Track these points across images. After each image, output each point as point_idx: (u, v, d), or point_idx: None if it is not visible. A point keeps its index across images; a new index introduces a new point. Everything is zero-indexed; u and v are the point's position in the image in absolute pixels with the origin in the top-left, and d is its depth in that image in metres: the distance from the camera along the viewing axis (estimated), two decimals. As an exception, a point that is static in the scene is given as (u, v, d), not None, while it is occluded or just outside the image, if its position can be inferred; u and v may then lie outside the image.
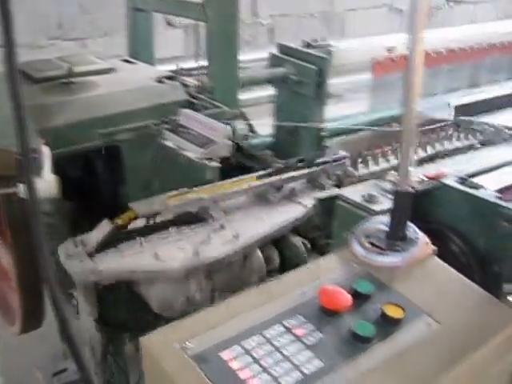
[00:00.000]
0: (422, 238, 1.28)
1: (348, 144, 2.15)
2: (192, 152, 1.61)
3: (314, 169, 1.71)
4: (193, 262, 1.41)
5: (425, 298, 1.18)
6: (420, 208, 1.56)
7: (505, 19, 5.43)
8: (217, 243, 1.47)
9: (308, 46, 2.19)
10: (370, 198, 1.52)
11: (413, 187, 1.51)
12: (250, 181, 1.65)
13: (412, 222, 1.54)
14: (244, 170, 1.77)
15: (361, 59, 2.22)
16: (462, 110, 2.29)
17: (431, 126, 2.13)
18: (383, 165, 1.91)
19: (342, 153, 1.78)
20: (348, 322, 1.09)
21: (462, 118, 2.17)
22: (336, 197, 1.56)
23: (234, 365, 1.00)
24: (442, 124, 2.12)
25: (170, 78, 2.03)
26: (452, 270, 1.27)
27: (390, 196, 1.54)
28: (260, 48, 4.37)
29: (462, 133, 2.09)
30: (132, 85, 1.94)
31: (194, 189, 1.54)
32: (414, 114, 1.21)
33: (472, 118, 2.15)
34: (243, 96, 2.30)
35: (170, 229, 1.49)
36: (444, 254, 1.48)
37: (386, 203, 1.51)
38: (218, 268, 1.46)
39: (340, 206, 1.55)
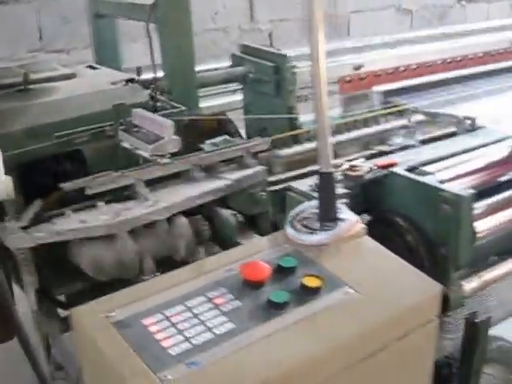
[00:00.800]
0: (351, 217, 1.49)
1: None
2: (143, 150, 1.83)
3: (233, 149, 2.01)
4: (114, 221, 1.70)
5: (348, 271, 1.38)
6: (372, 197, 1.78)
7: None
8: (138, 207, 1.77)
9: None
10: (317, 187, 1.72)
11: (361, 176, 1.74)
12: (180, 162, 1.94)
13: (366, 210, 1.76)
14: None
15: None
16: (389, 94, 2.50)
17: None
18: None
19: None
20: (267, 292, 1.29)
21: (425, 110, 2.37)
22: (287, 188, 1.77)
23: (153, 329, 1.21)
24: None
25: (130, 80, 2.25)
26: (380, 246, 1.47)
27: (339, 185, 1.75)
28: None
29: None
30: (91, 89, 2.15)
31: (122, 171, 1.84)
32: (325, 100, 1.42)
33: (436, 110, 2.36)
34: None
35: (100, 204, 1.77)
36: (395, 240, 1.71)
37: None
38: (141, 229, 1.75)
39: (290, 197, 1.76)
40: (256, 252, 1.42)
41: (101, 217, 1.71)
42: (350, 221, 1.48)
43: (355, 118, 2.29)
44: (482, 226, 1.75)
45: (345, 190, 1.72)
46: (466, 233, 1.69)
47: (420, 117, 2.35)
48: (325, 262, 1.40)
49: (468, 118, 2.21)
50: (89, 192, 1.76)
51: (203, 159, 1.96)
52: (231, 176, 1.95)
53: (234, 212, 1.91)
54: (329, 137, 1.48)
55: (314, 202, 1.53)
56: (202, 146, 2.32)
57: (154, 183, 1.89)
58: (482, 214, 1.77)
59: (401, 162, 1.87)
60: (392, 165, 1.85)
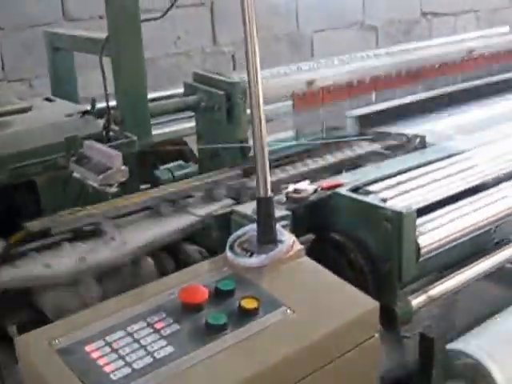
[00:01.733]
0: (289, 239, 1.57)
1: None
2: (92, 180, 1.91)
3: (207, 181, 2.07)
4: (79, 266, 1.75)
5: (286, 292, 1.46)
6: (318, 218, 1.86)
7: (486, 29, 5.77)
8: (104, 250, 1.81)
9: (219, 74, 2.49)
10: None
11: (305, 198, 1.82)
12: (143, 195, 2.00)
13: (312, 231, 1.85)
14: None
15: (279, 94, 2.51)
16: (364, 120, 2.58)
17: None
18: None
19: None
20: (205, 315, 1.37)
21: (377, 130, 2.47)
22: (231, 212, 1.85)
23: (95, 355, 1.28)
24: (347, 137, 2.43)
25: (86, 112, 2.33)
26: (319, 266, 1.56)
27: (282, 207, 1.84)
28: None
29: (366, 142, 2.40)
30: (46, 122, 2.23)
31: (88, 207, 1.89)
32: (262, 123, 1.50)
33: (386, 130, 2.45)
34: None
35: (64, 244, 1.82)
36: (340, 259, 1.79)
37: (276, 214, 1.79)
38: (106, 274, 1.80)
39: (234, 220, 1.84)
40: (196, 276, 1.50)
41: (65, 260, 1.75)
42: (289, 242, 1.55)
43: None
44: (427, 241, 1.82)
45: (288, 212, 1.79)
46: (409, 249, 1.77)
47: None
48: (263, 283, 1.48)
49: (417, 137, 2.30)
50: (54, 231, 1.82)
51: (172, 194, 2.04)
52: (200, 211, 1.99)
53: (200, 248, 1.97)
54: (267, 161, 1.56)
55: (254, 225, 1.60)
56: (156, 172, 2.41)
57: (119, 216, 1.96)
58: (426, 229, 1.85)
59: (346, 183, 1.95)
60: (337, 186, 1.93)
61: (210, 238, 1.94)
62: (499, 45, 3.29)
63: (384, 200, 1.84)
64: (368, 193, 1.88)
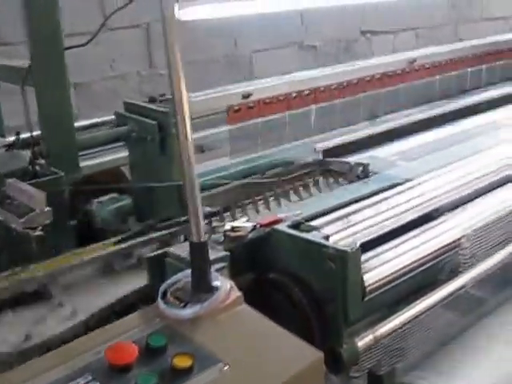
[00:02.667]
0: (226, 285, 1.46)
1: (216, 197, 2.31)
2: (15, 223, 1.78)
3: (164, 232, 1.91)
4: (25, 344, 1.57)
5: (223, 346, 1.35)
6: (257, 256, 1.75)
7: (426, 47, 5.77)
8: (52, 323, 1.64)
9: (152, 101, 2.38)
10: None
11: (243, 236, 1.72)
12: (94, 251, 1.82)
13: (251, 271, 1.74)
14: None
15: (214, 108, 2.40)
16: (330, 153, 2.49)
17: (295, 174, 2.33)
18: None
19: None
20: (134, 377, 1.25)
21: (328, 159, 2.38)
22: (164, 254, 1.73)
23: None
24: (308, 170, 2.33)
25: (10, 145, 2.19)
26: (258, 314, 1.45)
27: (219, 247, 1.73)
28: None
29: (331, 177, 2.31)
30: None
31: (31, 266, 1.73)
32: (192, 165, 1.39)
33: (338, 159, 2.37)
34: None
35: (7, 313, 1.65)
36: (281, 300, 1.69)
37: (214, 255, 1.68)
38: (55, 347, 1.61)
39: (168, 263, 1.72)
40: (125, 330, 1.38)
41: (9, 338, 1.58)
42: (225, 289, 1.45)
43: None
44: (372, 278, 1.73)
45: (225, 253, 1.68)
46: (355, 289, 1.68)
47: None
48: (198, 336, 1.37)
49: (360, 165, 2.21)
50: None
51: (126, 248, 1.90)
52: None
53: None
54: (199, 203, 1.45)
55: (188, 271, 1.49)
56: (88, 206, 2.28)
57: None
58: (372, 266, 1.76)
59: (287, 218, 1.85)
60: (276, 222, 1.83)
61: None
62: (440, 55, 3.27)
63: (327, 237, 1.74)
64: (309, 229, 1.78)
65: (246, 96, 2.43)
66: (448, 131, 2.82)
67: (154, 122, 2.19)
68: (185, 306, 1.43)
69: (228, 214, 2.14)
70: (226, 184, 2.33)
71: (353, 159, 2.36)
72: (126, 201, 2.38)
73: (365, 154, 2.50)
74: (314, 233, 1.75)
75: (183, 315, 1.41)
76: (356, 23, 6.23)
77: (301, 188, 2.31)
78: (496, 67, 3.56)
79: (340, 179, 2.30)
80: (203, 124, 2.46)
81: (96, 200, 2.40)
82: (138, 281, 1.81)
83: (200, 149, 2.45)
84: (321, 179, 2.33)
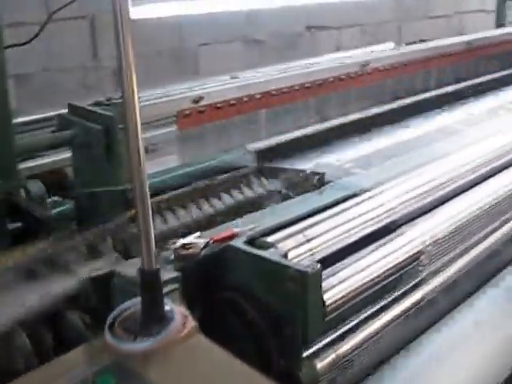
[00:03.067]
0: (180, 315, 1.32)
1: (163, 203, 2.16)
2: None
3: (88, 235, 1.76)
4: None
5: (177, 382, 1.20)
6: (211, 275, 1.61)
7: (373, 44, 5.68)
8: None
9: (98, 104, 2.21)
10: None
11: (195, 254, 1.57)
12: (15, 255, 1.67)
13: (205, 291, 1.59)
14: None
15: (163, 114, 2.24)
16: (264, 155, 2.34)
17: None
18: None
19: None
20: (80, 424, 1.10)
21: (271, 165, 2.24)
22: (111, 274, 1.57)
23: None
24: (243, 173, 2.19)
25: None
26: (215, 346, 1.31)
27: (169, 267, 1.58)
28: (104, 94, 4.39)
29: (267, 180, 2.16)
30: None
31: None
32: (144, 183, 1.24)
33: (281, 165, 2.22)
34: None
35: None
36: (237, 321, 1.55)
37: (163, 277, 1.53)
38: None
39: (116, 285, 1.56)
40: (68, 369, 1.22)
41: None
42: (180, 320, 1.30)
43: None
44: (333, 297, 1.61)
45: (176, 274, 1.53)
46: (315, 309, 1.55)
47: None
48: (151, 373, 1.23)
49: (316, 174, 2.08)
50: None
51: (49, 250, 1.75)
52: (82, 269, 1.69)
53: (83, 315, 1.66)
54: (151, 225, 1.30)
55: (138, 300, 1.34)
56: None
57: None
58: (331, 284, 1.63)
59: (241, 233, 1.71)
60: (231, 237, 1.68)
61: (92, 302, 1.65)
62: (393, 58, 3.17)
63: (285, 255, 1.60)
64: (266, 245, 1.64)
65: (197, 100, 2.27)
66: (405, 136, 2.69)
67: (99, 127, 2.01)
68: (135, 339, 1.28)
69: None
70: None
71: (307, 166, 2.22)
72: (69, 205, 2.21)
73: (318, 159, 2.36)
74: (272, 250, 1.61)
75: (134, 349, 1.26)
76: (302, 18, 6.12)
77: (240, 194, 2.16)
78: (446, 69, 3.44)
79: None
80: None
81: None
82: (59, 284, 1.66)
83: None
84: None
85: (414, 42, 3.84)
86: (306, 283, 1.50)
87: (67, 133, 2.08)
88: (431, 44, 3.52)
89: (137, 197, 1.26)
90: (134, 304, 1.35)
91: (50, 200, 2.26)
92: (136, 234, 1.29)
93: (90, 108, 2.08)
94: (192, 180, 2.23)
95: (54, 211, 2.17)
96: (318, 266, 1.53)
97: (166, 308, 1.33)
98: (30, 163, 2.36)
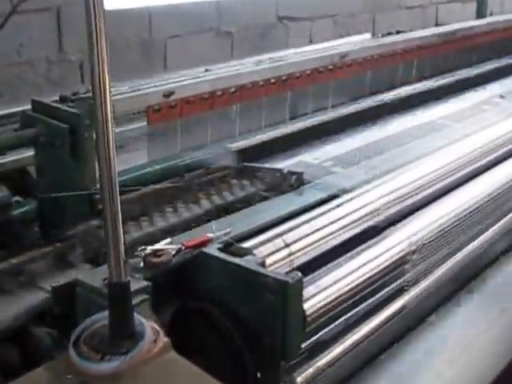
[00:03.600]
0: (152, 331, 1.22)
1: (131, 202, 2.06)
2: None
3: (58, 245, 1.65)
4: None
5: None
6: (184, 284, 1.51)
7: (345, 36, 5.59)
8: None
9: (63, 100, 2.10)
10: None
11: (166, 261, 1.47)
12: None
13: (177, 300, 1.50)
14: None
15: (132, 109, 2.14)
16: (245, 154, 2.25)
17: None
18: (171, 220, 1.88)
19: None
20: None
21: (245, 164, 2.15)
22: (74, 283, 1.47)
23: None
24: (223, 173, 2.09)
25: None
26: (188, 363, 1.21)
27: (139, 276, 1.48)
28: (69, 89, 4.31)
29: (247, 181, 2.07)
30: None
31: None
32: (115, 185, 1.14)
33: (256, 164, 2.13)
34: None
35: None
36: (211, 334, 1.45)
37: (132, 286, 1.43)
38: None
39: (79, 295, 1.46)
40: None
41: None
42: (151, 336, 1.21)
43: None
44: (314, 307, 1.52)
45: (146, 283, 1.43)
46: (295, 320, 1.47)
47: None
48: (120, 396, 1.12)
49: (293, 173, 1.99)
50: None
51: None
52: (50, 282, 1.56)
53: (49, 330, 1.54)
54: (120, 230, 1.20)
55: (105, 314, 1.24)
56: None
57: None
58: (311, 293, 1.55)
59: (216, 238, 1.61)
60: (204, 243, 1.59)
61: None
62: (371, 49, 3.06)
63: (263, 263, 1.51)
64: (242, 252, 1.55)
65: (168, 95, 2.17)
66: (386, 132, 2.60)
67: (64, 126, 1.90)
68: (103, 359, 1.18)
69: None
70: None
71: (283, 165, 2.13)
72: (31, 205, 2.10)
73: (294, 157, 2.26)
74: (249, 258, 1.52)
75: (102, 370, 1.16)
76: (273, 9, 6.02)
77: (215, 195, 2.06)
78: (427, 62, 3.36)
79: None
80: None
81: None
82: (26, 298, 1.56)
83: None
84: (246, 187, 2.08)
85: (390, 33, 3.72)
86: (285, 294, 1.41)
87: (30, 131, 1.97)
88: (411, 35, 3.42)
89: (105, 200, 1.16)
90: (100, 318, 1.26)
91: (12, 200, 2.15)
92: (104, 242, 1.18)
93: (54, 105, 1.97)
94: (165, 179, 2.14)
95: (16, 212, 2.06)
96: (299, 274, 1.44)
97: (137, 324, 1.23)
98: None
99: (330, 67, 2.75)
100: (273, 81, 2.52)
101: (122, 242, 1.19)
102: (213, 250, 1.55)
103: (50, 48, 4.94)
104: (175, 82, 2.30)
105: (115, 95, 2.12)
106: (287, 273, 1.49)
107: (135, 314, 1.25)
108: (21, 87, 4.57)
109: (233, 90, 2.38)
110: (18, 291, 1.61)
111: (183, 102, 2.23)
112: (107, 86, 1.12)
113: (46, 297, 1.56)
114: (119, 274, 1.18)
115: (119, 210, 1.18)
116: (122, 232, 1.18)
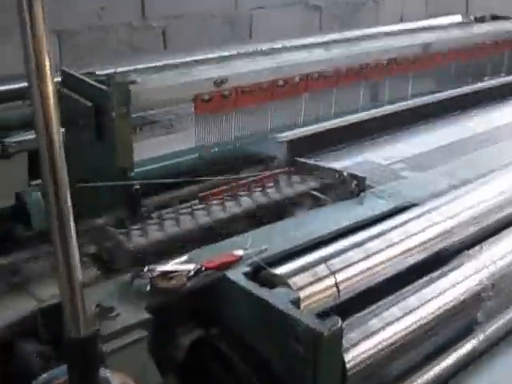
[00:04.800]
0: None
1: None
2: None
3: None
4: None
5: None
6: (196, 313, 1.16)
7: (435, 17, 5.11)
8: None
9: (92, 75, 1.75)
10: (105, 311, 1.09)
11: (179, 287, 1.12)
12: None
13: (188, 332, 1.16)
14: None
15: (178, 98, 1.76)
16: (296, 146, 1.84)
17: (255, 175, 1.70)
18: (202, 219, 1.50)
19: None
20: None
21: (296, 158, 1.75)
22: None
23: None
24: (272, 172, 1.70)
25: None
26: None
27: (141, 303, 1.13)
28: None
29: (298, 178, 1.68)
30: None
31: None
32: (64, 190, 0.78)
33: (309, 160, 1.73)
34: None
35: None
36: (226, 379, 1.11)
37: (130, 320, 1.08)
38: None
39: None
40: None
41: None
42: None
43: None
44: (357, 358, 1.15)
45: (147, 316, 1.08)
46: (330, 376, 1.10)
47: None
48: None
49: (354, 177, 1.59)
50: None
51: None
52: (45, 292, 1.26)
53: (42, 347, 1.22)
54: (77, 263, 0.84)
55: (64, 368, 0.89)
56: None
57: None
58: (356, 339, 1.17)
59: (246, 256, 1.25)
60: (230, 262, 1.22)
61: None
62: (459, 40, 2.57)
63: (297, 300, 1.14)
64: (273, 281, 1.19)
65: (220, 82, 1.78)
66: (471, 129, 2.14)
67: (89, 104, 1.56)
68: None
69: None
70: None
71: (342, 165, 1.72)
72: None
73: (358, 155, 1.85)
74: (280, 290, 1.15)
75: None
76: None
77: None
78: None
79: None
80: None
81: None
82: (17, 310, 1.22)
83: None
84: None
85: (483, 18, 3.20)
86: (318, 347, 1.04)
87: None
88: (503, 25, 2.89)
89: (52, 213, 0.80)
90: (60, 373, 0.91)
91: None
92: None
93: (81, 77, 1.62)
94: (206, 167, 1.77)
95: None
96: (339, 322, 1.06)
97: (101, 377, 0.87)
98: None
99: (411, 58, 2.30)
100: (344, 71, 2.09)
101: (80, 273, 0.83)
102: (238, 275, 1.20)
103: (133, 13, 4.65)
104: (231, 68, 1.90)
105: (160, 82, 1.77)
106: (326, 314, 1.11)
107: (102, 370, 0.89)
108: (101, 52, 4.27)
109: (297, 79, 1.97)
110: (7, 296, 1.27)
111: (238, 92, 1.84)
112: (46, 67, 0.76)
113: (36, 308, 1.22)
114: (77, 326, 0.82)
115: (72, 223, 0.82)
116: (79, 267, 0.82)
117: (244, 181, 1.61)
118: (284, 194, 1.62)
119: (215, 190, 1.56)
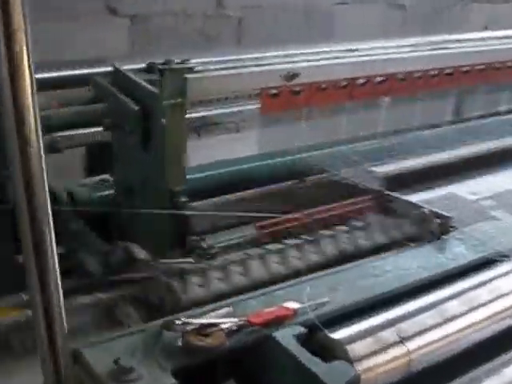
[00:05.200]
0: None
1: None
2: None
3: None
4: None
5: None
6: (234, 375, 0.95)
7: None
8: None
9: (150, 70, 1.55)
10: (122, 370, 0.89)
11: (218, 346, 0.92)
12: None
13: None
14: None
15: (241, 90, 1.55)
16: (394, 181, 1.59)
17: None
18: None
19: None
20: None
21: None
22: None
23: None
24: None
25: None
26: None
27: (167, 364, 0.92)
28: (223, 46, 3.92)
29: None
30: None
31: None
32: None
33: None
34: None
35: None
36: None
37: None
38: None
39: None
40: None
41: None
42: None
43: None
44: None
45: (172, 382, 0.88)
46: None
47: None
48: None
49: (438, 216, 1.35)
50: None
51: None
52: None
53: None
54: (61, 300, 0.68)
55: None
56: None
57: None
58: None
59: (301, 311, 1.02)
60: (280, 318, 1.00)
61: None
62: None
63: (357, 379, 0.91)
64: (330, 347, 0.96)
65: (291, 76, 1.54)
66: None
67: (135, 107, 1.35)
68: None
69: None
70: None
71: (425, 196, 1.48)
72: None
73: (442, 186, 1.60)
74: (337, 365, 0.92)
75: None
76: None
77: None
78: None
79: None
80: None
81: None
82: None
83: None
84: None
85: None
86: None
87: (96, 107, 1.43)
88: None
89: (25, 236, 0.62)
90: None
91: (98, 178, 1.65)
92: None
93: (129, 75, 1.42)
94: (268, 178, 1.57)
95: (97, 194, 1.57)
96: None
97: None
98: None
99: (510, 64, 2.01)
100: (433, 72, 1.83)
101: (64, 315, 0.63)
102: (287, 337, 0.97)
103: (209, 1, 4.48)
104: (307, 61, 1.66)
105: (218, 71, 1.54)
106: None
107: None
108: (173, 39, 4.11)
109: (380, 79, 1.72)
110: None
111: (312, 88, 1.61)
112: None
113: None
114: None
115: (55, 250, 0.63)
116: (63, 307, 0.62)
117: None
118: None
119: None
